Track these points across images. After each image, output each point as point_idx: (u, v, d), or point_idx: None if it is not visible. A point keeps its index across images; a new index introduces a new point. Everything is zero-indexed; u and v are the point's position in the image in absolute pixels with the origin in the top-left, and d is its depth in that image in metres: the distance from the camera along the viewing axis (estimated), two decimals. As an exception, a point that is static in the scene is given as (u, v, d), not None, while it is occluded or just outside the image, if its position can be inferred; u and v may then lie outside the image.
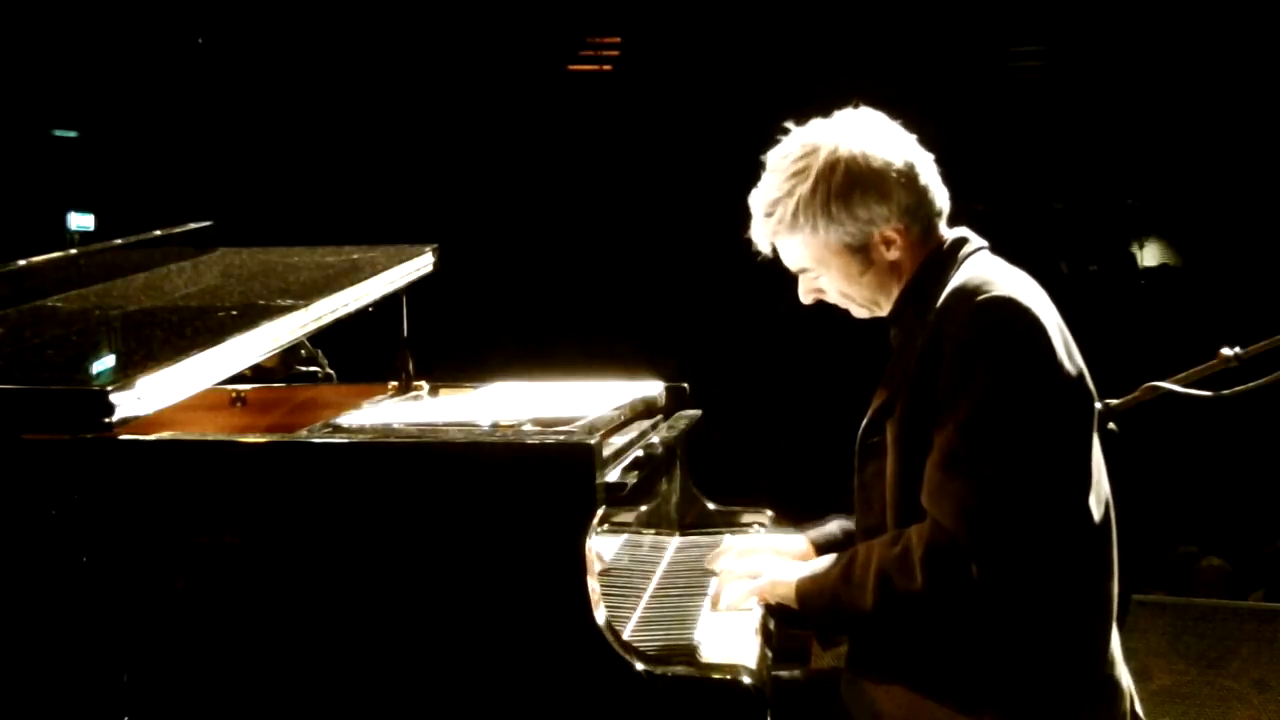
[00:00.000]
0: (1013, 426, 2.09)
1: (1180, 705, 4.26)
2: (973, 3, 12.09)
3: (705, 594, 2.50)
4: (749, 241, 2.41)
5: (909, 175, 2.29)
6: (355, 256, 3.17)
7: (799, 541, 2.59)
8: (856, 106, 2.37)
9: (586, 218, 11.99)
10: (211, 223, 3.45)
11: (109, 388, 2.08)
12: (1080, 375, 2.19)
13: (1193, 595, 5.40)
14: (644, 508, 2.73)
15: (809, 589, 2.30)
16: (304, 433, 2.47)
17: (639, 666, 1.99)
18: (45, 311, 2.82)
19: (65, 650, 2.07)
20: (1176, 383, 2.54)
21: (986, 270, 2.25)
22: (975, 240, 2.35)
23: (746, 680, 2.01)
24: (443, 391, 3.30)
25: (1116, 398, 2.45)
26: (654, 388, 2.96)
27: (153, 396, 2.14)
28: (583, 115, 12.50)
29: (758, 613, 2.39)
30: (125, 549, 2.07)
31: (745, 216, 2.39)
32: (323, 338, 2.93)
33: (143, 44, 11.28)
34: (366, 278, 2.91)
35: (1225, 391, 2.50)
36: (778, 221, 2.32)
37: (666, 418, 2.98)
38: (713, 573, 2.53)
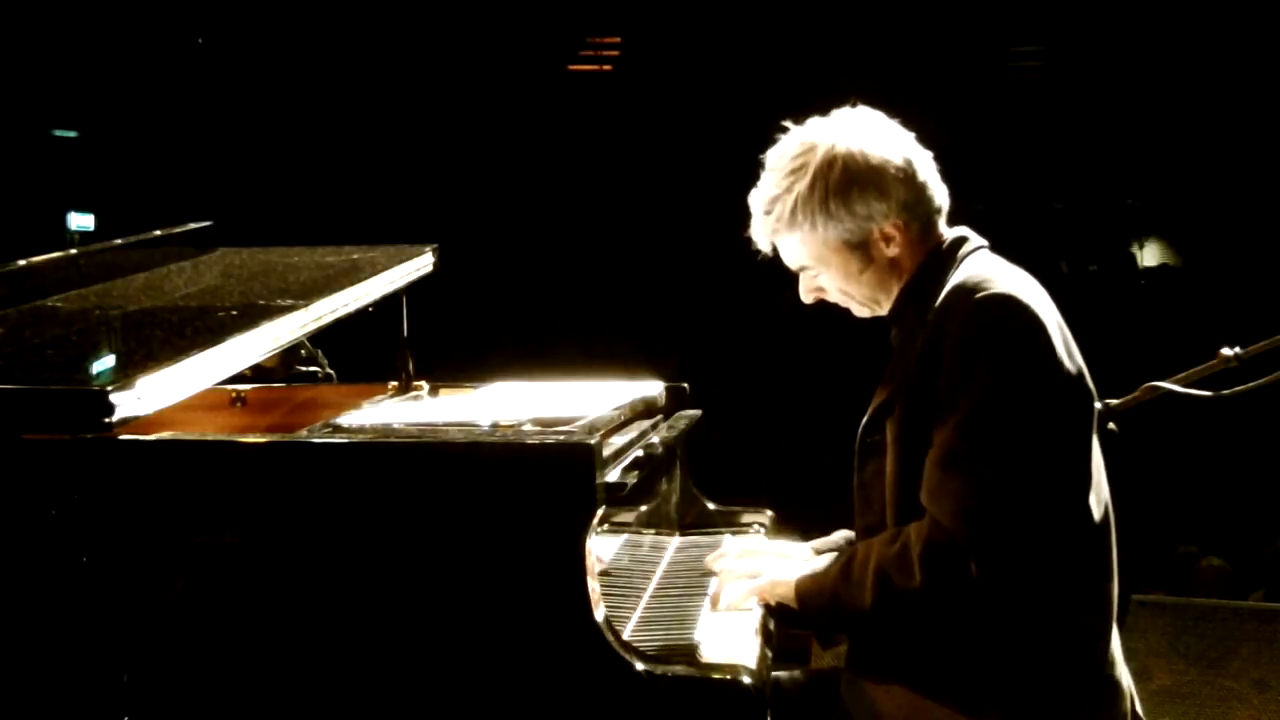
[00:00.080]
0: (1012, 425, 2.09)
1: (1180, 705, 4.26)
2: (973, 3, 12.09)
3: (705, 594, 2.50)
4: (749, 241, 2.41)
5: (907, 171, 2.29)
6: (355, 256, 3.17)
7: (803, 550, 2.59)
8: (854, 106, 2.37)
9: (586, 218, 11.99)
10: (211, 223, 3.45)
11: (109, 388, 2.08)
12: (1080, 374, 2.19)
13: (1193, 595, 5.40)
14: (644, 508, 2.73)
15: (808, 588, 2.30)
16: (304, 433, 2.47)
17: (639, 666, 1.99)
18: (45, 311, 2.82)
19: (65, 650, 2.07)
20: (1176, 383, 2.54)
21: (986, 268, 2.25)
22: (975, 239, 2.35)
23: (746, 680, 2.01)
24: (443, 391, 3.30)
25: (1116, 398, 2.45)
26: (654, 388, 2.96)
27: (153, 396, 2.14)
28: (583, 115, 12.50)
29: (758, 613, 2.39)
30: (125, 549, 2.07)
31: (745, 216, 2.39)
32: (323, 338, 2.93)
33: (143, 44, 11.28)
34: (366, 278, 2.91)
35: (1225, 391, 2.50)
36: (776, 219, 2.33)
37: (666, 418, 2.98)
38: (713, 573, 2.54)
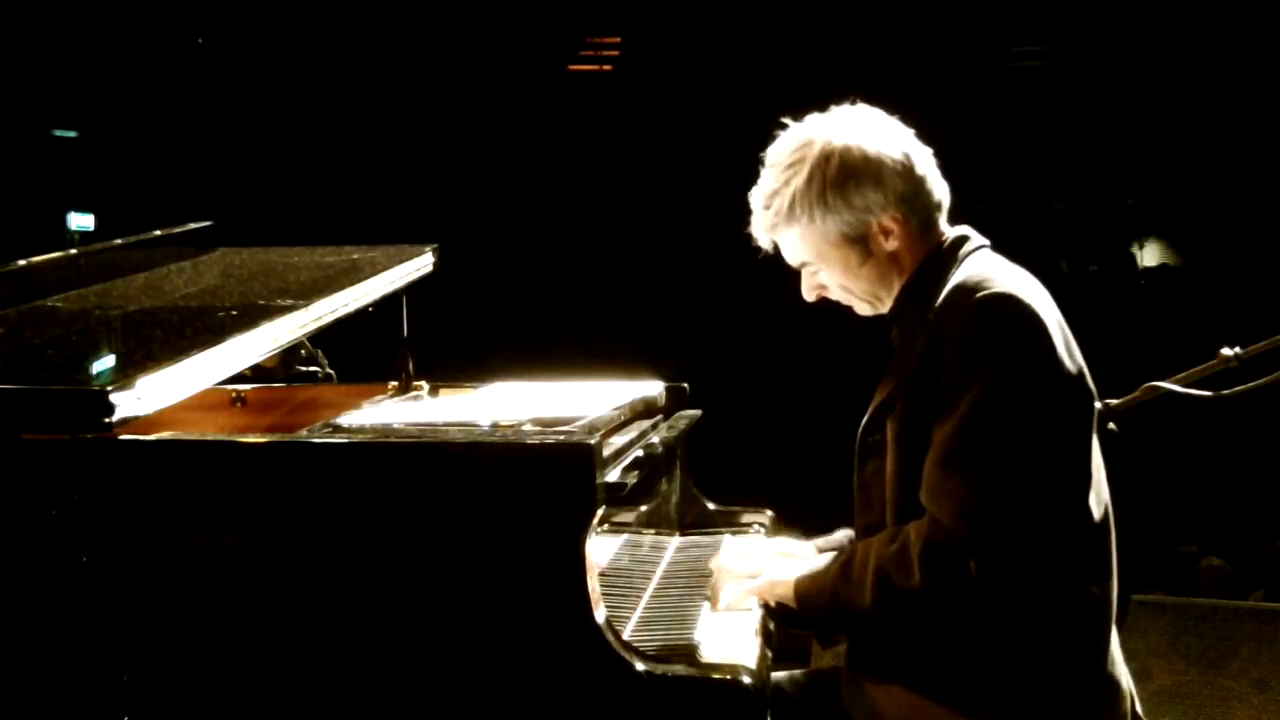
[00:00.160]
0: (1012, 425, 2.09)
1: (1180, 705, 4.26)
2: (973, 3, 12.09)
3: (705, 594, 2.50)
4: (750, 240, 2.41)
5: (905, 165, 2.30)
6: (355, 256, 3.17)
7: (806, 549, 2.59)
8: (854, 104, 2.38)
9: (586, 218, 11.99)
10: (211, 223, 3.45)
11: (109, 388, 2.08)
12: (1080, 374, 2.19)
13: (1193, 595, 5.40)
14: (644, 508, 2.73)
15: (807, 587, 2.30)
16: (304, 433, 2.47)
17: (639, 666, 1.99)
18: (45, 311, 2.82)
19: (65, 650, 2.07)
20: (1176, 383, 2.53)
21: (987, 268, 2.25)
22: (976, 238, 2.35)
23: (746, 680, 2.01)
24: (443, 391, 3.30)
25: (1116, 398, 2.45)
26: (654, 388, 2.96)
27: (153, 396, 2.14)
28: (583, 115, 12.50)
29: (758, 613, 2.39)
30: (125, 549, 2.07)
31: (745, 216, 2.39)
32: (323, 338, 2.93)
33: (143, 44, 11.28)
34: (366, 278, 2.91)
35: (1225, 391, 2.49)
36: (775, 214, 2.33)
37: (666, 418, 2.98)
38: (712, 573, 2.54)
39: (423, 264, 3.14)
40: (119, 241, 3.27)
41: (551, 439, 2.12)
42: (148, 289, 3.07)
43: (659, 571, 2.75)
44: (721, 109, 11.31)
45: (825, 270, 2.36)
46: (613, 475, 2.15)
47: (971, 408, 2.10)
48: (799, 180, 2.29)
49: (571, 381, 3.05)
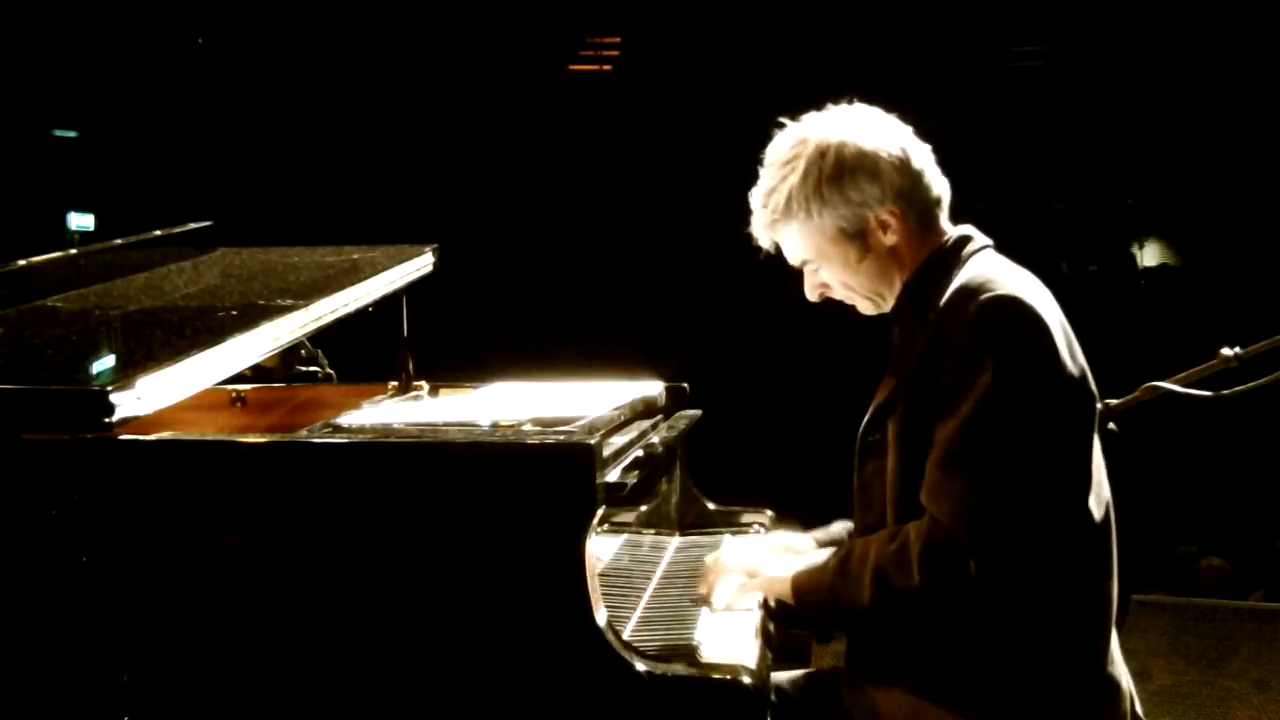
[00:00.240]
0: (1014, 426, 2.09)
1: (1180, 705, 4.26)
2: (973, 3, 12.09)
3: (700, 590, 2.50)
4: (750, 240, 2.41)
5: (901, 159, 2.30)
6: (355, 256, 3.17)
7: (804, 541, 2.59)
8: (851, 103, 2.38)
9: (586, 218, 11.99)
10: (211, 223, 3.45)
11: (109, 388, 2.08)
12: (1083, 375, 2.19)
13: (1193, 595, 5.40)
14: (644, 508, 2.73)
15: (804, 583, 2.30)
16: (304, 433, 2.46)
17: (639, 666, 1.99)
18: (45, 311, 2.82)
19: (65, 650, 2.07)
20: (1176, 383, 2.53)
21: (990, 269, 2.25)
22: (979, 239, 2.35)
23: (746, 680, 2.01)
24: (443, 391, 3.30)
25: (1116, 398, 2.45)
26: (654, 388, 2.96)
27: (153, 396, 2.14)
28: (583, 115, 12.50)
29: (757, 614, 2.39)
30: (125, 549, 2.07)
31: (745, 216, 2.39)
32: (323, 338, 2.93)
33: (143, 44, 11.28)
34: (366, 278, 2.91)
35: (1225, 391, 2.49)
36: (772, 212, 2.33)
37: (666, 418, 2.98)
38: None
39: (423, 264, 3.14)
40: (119, 241, 3.28)
41: (551, 439, 2.12)
42: (148, 289, 3.07)
43: (659, 571, 2.75)
44: (721, 109, 11.31)
45: (825, 267, 2.36)
46: (613, 475, 2.15)
47: (973, 409, 2.10)
48: (795, 177, 2.30)
49: (571, 381, 3.05)
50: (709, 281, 11.11)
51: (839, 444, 2.60)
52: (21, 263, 2.97)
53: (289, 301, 2.67)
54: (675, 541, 3.02)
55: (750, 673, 2.04)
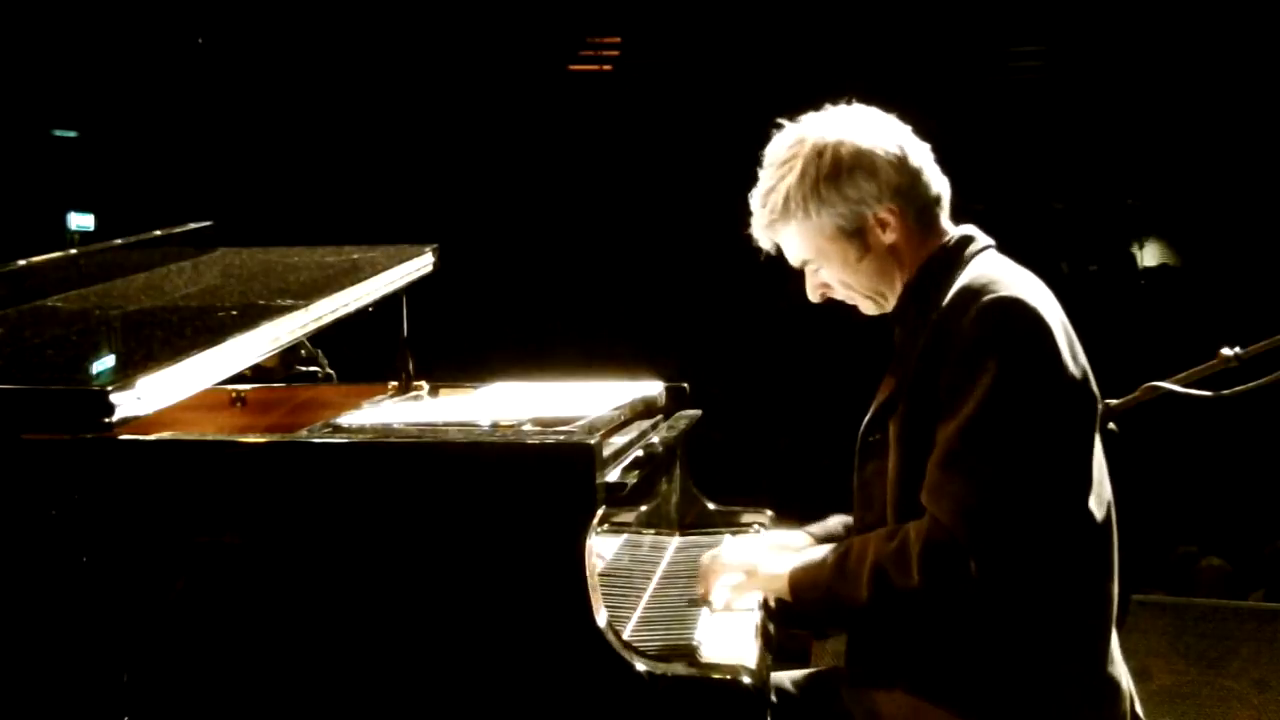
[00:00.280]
0: (1015, 427, 2.09)
1: (1180, 705, 4.26)
2: (973, 3, 12.09)
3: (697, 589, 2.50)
4: (750, 240, 2.41)
5: (899, 157, 2.30)
6: (355, 256, 3.17)
7: (800, 538, 2.59)
8: (850, 103, 2.38)
9: (586, 218, 11.99)
10: (211, 223, 3.45)
11: (109, 388, 2.08)
12: (1084, 377, 2.19)
13: (1193, 595, 5.40)
14: (644, 508, 2.73)
15: (802, 580, 2.30)
16: (304, 433, 2.46)
17: (639, 666, 1.99)
18: (45, 311, 2.82)
19: (65, 650, 2.07)
20: (1176, 383, 2.53)
21: (993, 270, 2.25)
22: (981, 239, 2.35)
23: (746, 680, 2.01)
24: (443, 391, 3.30)
25: (1116, 398, 2.45)
26: (654, 388, 2.96)
27: (153, 396, 2.14)
28: (583, 115, 12.50)
29: (757, 614, 2.39)
30: (125, 549, 2.07)
31: (745, 216, 2.39)
32: (323, 338, 2.93)
33: (143, 44, 11.28)
34: (366, 278, 2.91)
35: (1225, 391, 2.49)
36: (771, 212, 2.33)
37: (666, 418, 2.98)
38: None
39: (423, 264, 3.14)
40: (119, 241, 3.27)
41: (551, 439, 2.12)
42: (148, 289, 3.07)
43: (659, 571, 2.75)
44: (721, 109, 11.31)
45: (825, 267, 2.36)
46: (613, 475, 2.15)
47: (975, 410, 2.10)
48: (793, 177, 2.30)
49: (571, 381, 3.05)
50: (709, 281, 11.11)
51: (839, 444, 2.60)
52: (21, 263, 2.97)
53: (289, 301, 2.67)
54: (675, 541, 3.02)
55: (750, 673, 2.04)
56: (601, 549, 2.34)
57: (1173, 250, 12.98)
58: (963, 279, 2.23)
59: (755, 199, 2.37)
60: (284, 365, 3.29)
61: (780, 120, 2.38)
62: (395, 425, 2.49)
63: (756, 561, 2.42)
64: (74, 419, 2.08)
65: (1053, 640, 2.17)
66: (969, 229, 2.36)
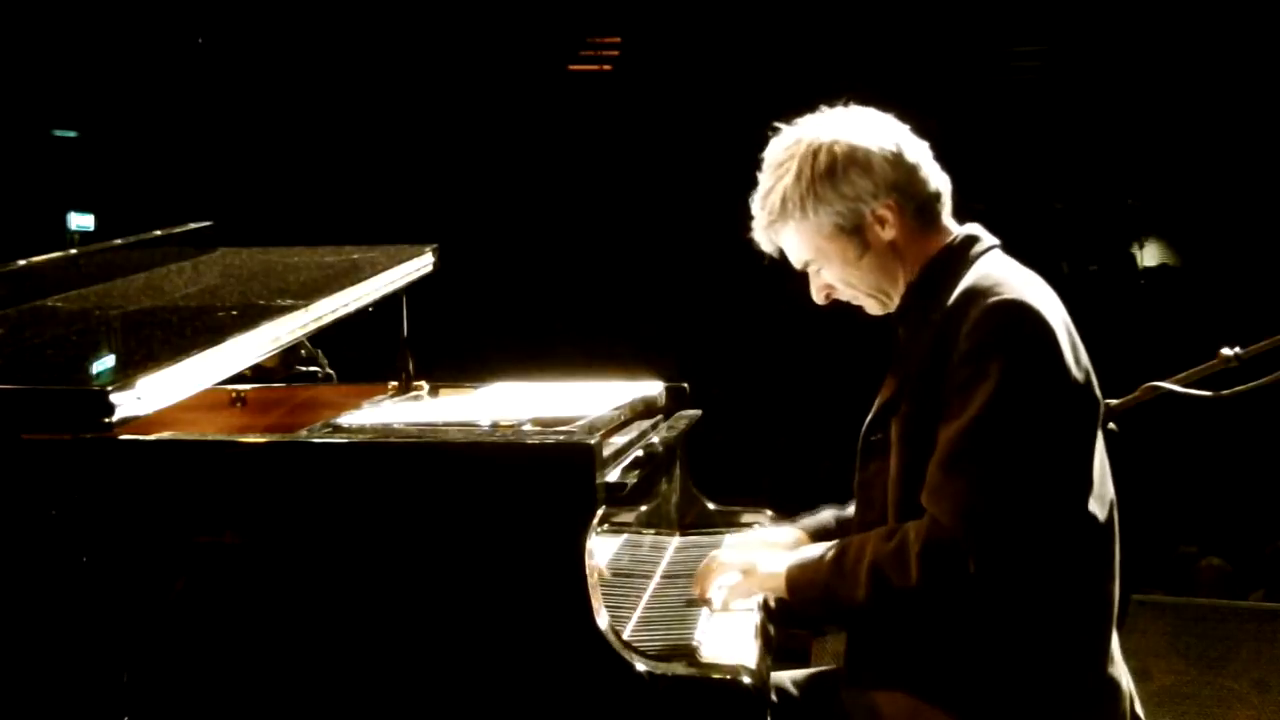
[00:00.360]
0: (1017, 430, 2.09)
1: (1180, 705, 4.26)
2: (973, 3, 12.10)
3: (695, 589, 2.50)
4: (749, 242, 2.41)
5: (894, 153, 2.30)
6: (355, 256, 3.17)
7: (790, 533, 2.59)
8: (847, 105, 2.38)
9: (586, 218, 12.00)
10: (211, 223, 3.45)
11: (109, 388, 2.08)
12: (1087, 380, 2.19)
13: (1193, 595, 5.41)
14: (644, 508, 2.73)
15: (798, 577, 2.29)
16: (304, 433, 2.46)
17: (639, 666, 1.98)
18: (45, 311, 2.82)
19: (65, 650, 2.07)
20: (1176, 383, 2.53)
21: (998, 271, 2.24)
22: (986, 239, 2.34)
23: (746, 680, 2.01)
24: (443, 391, 3.30)
25: (1116, 398, 2.45)
26: (654, 388, 2.96)
27: (153, 396, 2.14)
28: (583, 115, 12.50)
29: (757, 614, 2.39)
30: (125, 549, 2.07)
31: (745, 216, 2.39)
32: (323, 338, 2.93)
33: (143, 44, 11.28)
34: (366, 278, 2.91)
35: (1225, 391, 2.49)
36: (769, 213, 2.33)
37: (666, 418, 2.98)
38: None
39: (423, 264, 3.14)
40: (119, 241, 3.27)
41: (551, 439, 2.12)
42: (148, 289, 3.07)
43: (659, 571, 2.75)
44: (721, 109, 11.32)
45: (827, 267, 2.36)
46: (613, 475, 2.15)
47: (978, 412, 2.10)
48: (789, 177, 2.30)
49: (571, 381, 3.05)
50: (709, 282, 11.12)
51: (839, 444, 2.60)
52: (21, 263, 2.97)
53: (289, 301, 2.67)
54: (675, 541, 3.02)
55: (750, 673, 2.04)
56: (601, 549, 2.34)
57: (1173, 250, 12.99)
58: (967, 280, 2.23)
59: (755, 202, 2.37)
60: (284, 365, 3.29)
61: (777, 124, 2.38)
62: (395, 425, 2.49)
63: (754, 561, 2.41)
64: (74, 419, 2.08)
65: (1053, 641, 2.17)
66: (974, 228, 2.36)
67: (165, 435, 2.20)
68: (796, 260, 2.39)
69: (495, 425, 2.33)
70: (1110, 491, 2.25)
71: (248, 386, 3.18)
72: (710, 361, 9.94)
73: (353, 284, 2.84)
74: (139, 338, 2.64)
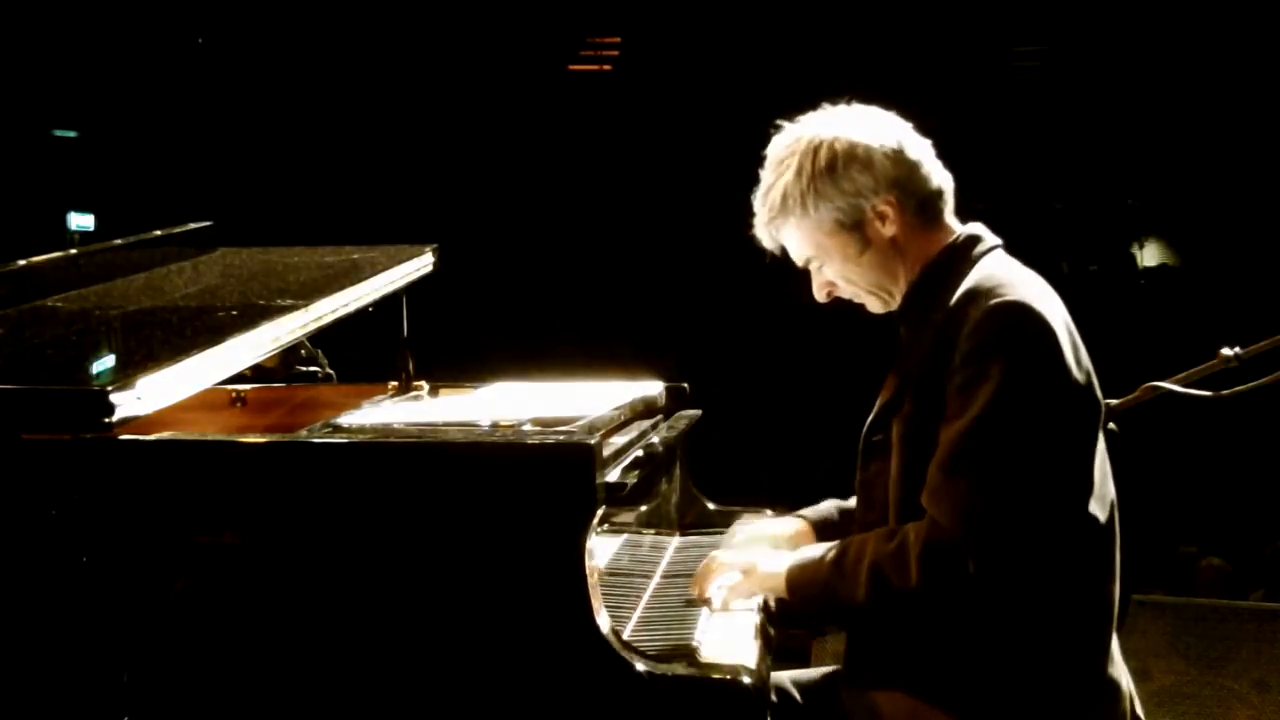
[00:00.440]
0: (1018, 432, 2.09)
1: (1180, 705, 4.26)
2: (973, 3, 12.10)
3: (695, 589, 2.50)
4: (750, 241, 2.41)
5: (895, 149, 2.30)
6: (355, 256, 3.17)
7: (793, 523, 2.59)
8: (849, 103, 2.38)
9: (586, 218, 12.00)
10: (211, 223, 3.45)
11: (109, 388, 2.08)
12: (1089, 382, 2.18)
13: (1193, 595, 5.41)
14: (644, 508, 2.73)
15: (799, 579, 2.29)
16: (304, 433, 2.46)
17: (639, 666, 1.98)
18: (45, 311, 2.82)
19: (65, 650, 2.07)
20: (1176, 383, 2.53)
21: (1000, 272, 2.24)
22: (989, 239, 2.34)
23: (746, 680, 2.01)
24: (443, 391, 3.30)
25: (1116, 398, 2.45)
26: (654, 388, 2.96)
27: (153, 396, 2.14)
28: (583, 115, 12.50)
29: (757, 615, 2.38)
30: (125, 549, 2.07)
31: (745, 216, 2.40)
32: (323, 338, 2.93)
33: (143, 44, 11.28)
34: (366, 278, 2.91)
35: (1225, 391, 2.49)
36: (770, 210, 2.33)
37: (666, 418, 2.98)
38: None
39: (423, 264, 3.14)
40: (119, 241, 3.27)
41: (551, 439, 2.12)
42: (148, 289, 3.07)
43: (659, 571, 2.75)
44: (721, 109, 11.32)
45: (827, 264, 2.35)
46: (613, 475, 2.15)
47: (979, 413, 2.10)
48: (790, 174, 2.30)
49: (571, 381, 3.05)
50: (709, 282, 11.12)
51: (839, 444, 2.60)
52: (21, 263, 2.97)
53: (289, 301, 2.67)
54: (675, 541, 3.02)
55: (750, 673, 2.04)
56: (601, 549, 2.34)
57: (1173, 250, 12.99)
58: (969, 280, 2.23)
59: (756, 198, 2.38)
60: (284, 365, 3.29)
61: (779, 121, 2.39)
62: (395, 425, 2.49)
63: (753, 561, 2.41)
64: (74, 419, 2.08)
65: (1053, 641, 2.17)
66: (976, 227, 2.36)
67: (165, 435, 2.20)
68: (798, 257, 2.39)
69: (495, 425, 2.33)
70: (1111, 492, 2.25)
71: (248, 386, 3.18)
72: (710, 361, 9.95)
73: (353, 284, 2.84)
74: (139, 338, 2.64)
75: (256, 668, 2.06)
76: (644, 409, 2.81)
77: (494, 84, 12.18)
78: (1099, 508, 2.19)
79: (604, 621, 2.00)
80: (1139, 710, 2.30)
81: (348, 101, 11.89)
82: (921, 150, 2.33)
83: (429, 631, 2.03)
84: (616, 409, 2.50)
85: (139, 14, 11.17)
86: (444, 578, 2.03)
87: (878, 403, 2.34)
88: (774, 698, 2.33)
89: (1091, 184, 12.65)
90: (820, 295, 2.42)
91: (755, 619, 2.37)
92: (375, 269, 2.99)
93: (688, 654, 2.15)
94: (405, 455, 2.12)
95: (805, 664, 3.52)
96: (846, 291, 2.39)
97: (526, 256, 11.60)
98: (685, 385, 3.18)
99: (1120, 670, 2.27)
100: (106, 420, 2.06)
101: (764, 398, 10.00)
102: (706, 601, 2.42)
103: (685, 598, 2.51)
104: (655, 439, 2.62)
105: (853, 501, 2.48)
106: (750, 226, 2.39)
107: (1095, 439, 2.21)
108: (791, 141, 2.33)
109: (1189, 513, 7.36)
